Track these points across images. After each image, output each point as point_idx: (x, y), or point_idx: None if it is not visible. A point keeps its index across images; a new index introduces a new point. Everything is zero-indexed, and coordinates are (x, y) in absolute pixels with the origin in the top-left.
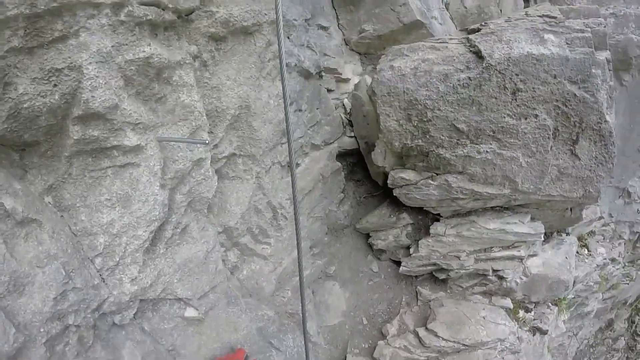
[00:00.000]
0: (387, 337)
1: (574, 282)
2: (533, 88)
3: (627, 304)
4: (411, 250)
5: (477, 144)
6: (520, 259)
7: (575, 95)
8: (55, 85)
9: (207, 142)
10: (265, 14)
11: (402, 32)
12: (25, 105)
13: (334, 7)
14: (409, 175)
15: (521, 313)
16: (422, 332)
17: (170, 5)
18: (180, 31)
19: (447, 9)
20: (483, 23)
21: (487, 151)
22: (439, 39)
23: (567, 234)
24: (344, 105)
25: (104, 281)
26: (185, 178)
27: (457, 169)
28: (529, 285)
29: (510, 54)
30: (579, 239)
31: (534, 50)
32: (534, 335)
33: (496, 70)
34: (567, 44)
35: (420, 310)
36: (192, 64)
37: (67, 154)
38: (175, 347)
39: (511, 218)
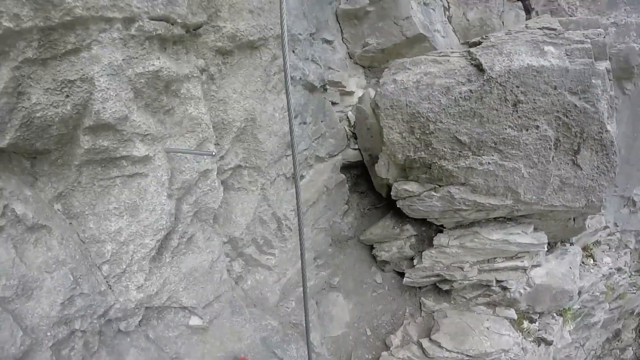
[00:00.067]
0: (391, 348)
1: (580, 292)
2: (534, 99)
3: (635, 313)
4: (415, 261)
5: (479, 156)
6: (524, 269)
7: (575, 105)
8: (67, 96)
9: (213, 153)
10: (271, 29)
11: (405, 46)
12: (37, 115)
13: (338, 22)
14: (412, 187)
15: (525, 324)
16: (425, 343)
17: (179, 20)
18: (189, 45)
19: (450, 21)
20: (484, 36)
21: (489, 162)
22: (440, 53)
23: (571, 244)
24: (348, 118)
25: (110, 288)
26: (191, 188)
27: (459, 181)
28: (533, 296)
29: (510, 67)
30: (585, 248)
31: (534, 62)
32: (538, 345)
33: (497, 82)
34: (566, 55)
35: (424, 321)
36: (199, 77)
37: (77, 162)
38: (179, 355)
39: (514, 229)
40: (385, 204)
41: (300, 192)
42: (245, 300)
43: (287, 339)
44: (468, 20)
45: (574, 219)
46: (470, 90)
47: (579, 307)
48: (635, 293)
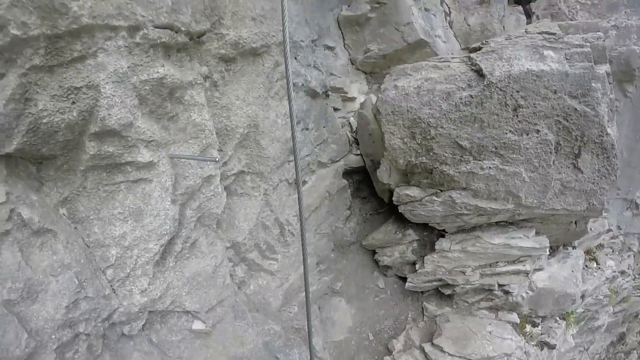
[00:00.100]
0: (393, 353)
1: (583, 295)
2: (534, 104)
3: (639, 317)
4: (417, 266)
5: (480, 160)
6: (526, 273)
7: (575, 109)
8: (73, 103)
9: (216, 159)
10: (273, 36)
11: (406, 51)
12: (44, 121)
13: (339, 28)
14: (413, 192)
15: (528, 328)
16: (428, 347)
17: (183, 28)
18: (192, 53)
19: (451, 27)
20: (484, 41)
21: (490, 167)
22: (441, 58)
23: (573, 248)
24: (350, 123)
25: (114, 292)
26: (195, 194)
27: (460, 185)
28: (535, 300)
29: (510, 71)
30: (588, 252)
31: (534, 66)
32: (541, 349)
33: (497, 87)
34: (566, 59)
35: (426, 325)
36: (203, 84)
37: (83, 168)
38: (182, 359)
39: (516, 233)
40: (387, 209)
41: (302, 197)
42: (248, 305)
43: (289, 343)
44: (469, 25)
45: (575, 223)
46: (471, 96)
47: (582, 310)
48: (639, 296)
